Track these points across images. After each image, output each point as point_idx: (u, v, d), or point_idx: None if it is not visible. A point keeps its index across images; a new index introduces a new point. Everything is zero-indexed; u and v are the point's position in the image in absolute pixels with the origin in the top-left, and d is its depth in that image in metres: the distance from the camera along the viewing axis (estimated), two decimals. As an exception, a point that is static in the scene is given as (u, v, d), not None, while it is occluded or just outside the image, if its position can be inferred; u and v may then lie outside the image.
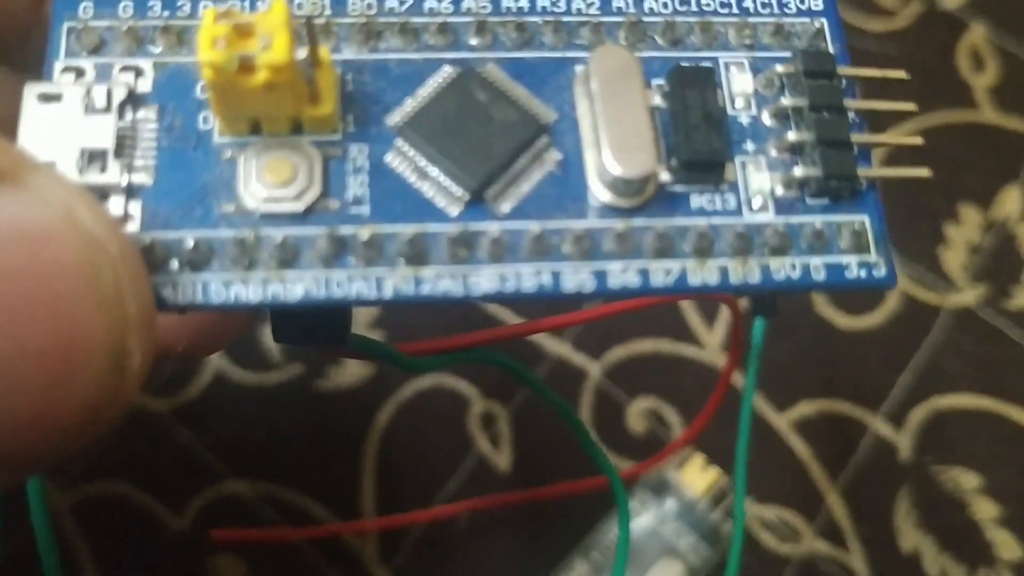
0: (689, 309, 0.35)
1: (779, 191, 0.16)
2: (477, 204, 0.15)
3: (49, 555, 0.18)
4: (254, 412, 0.33)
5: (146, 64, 0.15)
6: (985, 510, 0.33)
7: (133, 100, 0.15)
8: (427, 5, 0.16)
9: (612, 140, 0.15)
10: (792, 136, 0.16)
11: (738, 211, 0.16)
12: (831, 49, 0.17)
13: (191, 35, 0.16)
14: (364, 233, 0.15)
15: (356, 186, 0.15)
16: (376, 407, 0.33)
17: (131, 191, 0.15)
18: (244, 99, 0.14)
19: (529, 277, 0.15)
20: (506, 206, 0.15)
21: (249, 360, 0.34)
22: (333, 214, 0.15)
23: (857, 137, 0.16)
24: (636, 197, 0.15)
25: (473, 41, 0.16)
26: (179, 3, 0.16)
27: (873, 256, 0.16)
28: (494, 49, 0.16)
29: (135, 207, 0.15)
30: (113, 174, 0.14)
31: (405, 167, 0.15)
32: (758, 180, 0.16)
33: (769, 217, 0.16)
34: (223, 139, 0.15)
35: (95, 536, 0.31)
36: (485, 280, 0.15)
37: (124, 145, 0.15)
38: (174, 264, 0.14)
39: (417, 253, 0.15)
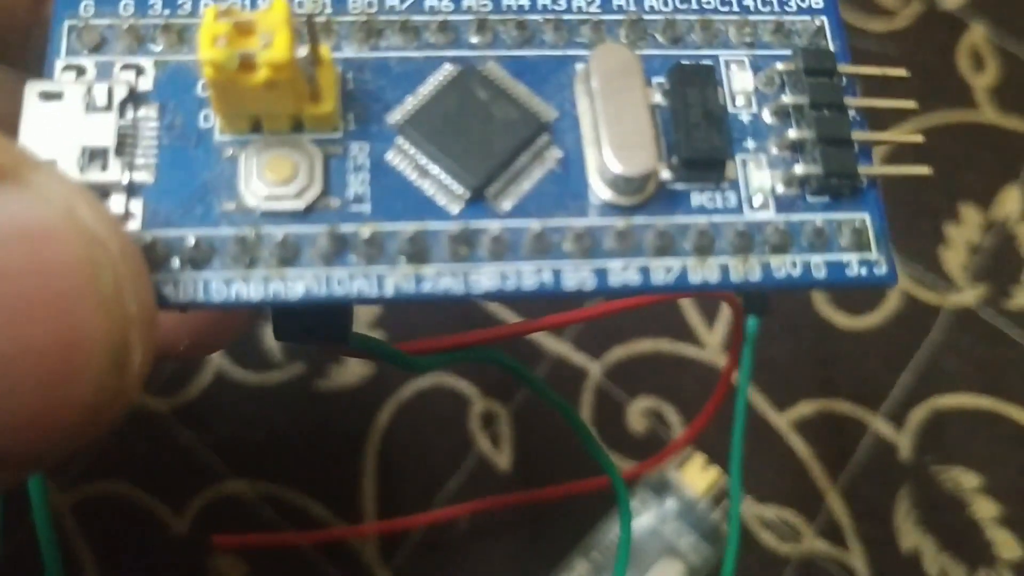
0: (689, 308, 0.35)
1: (780, 189, 0.16)
2: (478, 202, 0.15)
3: (50, 554, 0.18)
4: (254, 412, 0.33)
5: (147, 62, 0.15)
6: (985, 510, 0.33)
7: (134, 98, 0.15)
8: (428, 3, 0.16)
9: (613, 138, 0.15)
10: (793, 134, 0.16)
11: (739, 209, 0.16)
12: (831, 47, 0.17)
13: (192, 33, 0.16)
14: (365, 231, 0.15)
15: (357, 184, 0.15)
16: (376, 407, 0.33)
17: (132, 189, 0.15)
18: (245, 97, 0.14)
19: (530, 275, 0.15)
20: (507, 204, 0.15)
21: (250, 360, 0.34)
22: (334, 212, 0.15)
23: (858, 135, 0.16)
24: (637, 195, 0.15)
25: (474, 39, 0.16)
26: (180, 1, 0.16)
27: (874, 254, 0.16)
28: (495, 47, 0.16)
29: (136, 205, 0.15)
30: (114, 172, 0.14)
31: (406, 165, 0.15)
32: (759, 178, 0.16)
33: (770, 215, 0.16)
34: (224, 137, 0.15)
35: (95, 536, 0.31)
36: (486, 278, 0.15)
37: (125, 143, 0.15)
38: (175, 262, 0.14)
39: (418, 251, 0.15)
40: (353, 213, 0.15)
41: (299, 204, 0.15)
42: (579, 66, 0.16)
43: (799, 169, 0.16)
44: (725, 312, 0.35)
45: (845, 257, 0.16)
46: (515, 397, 0.34)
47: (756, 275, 0.15)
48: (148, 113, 0.15)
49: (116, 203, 0.14)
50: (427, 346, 0.20)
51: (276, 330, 0.17)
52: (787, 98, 0.16)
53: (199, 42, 0.13)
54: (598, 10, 0.17)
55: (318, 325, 0.17)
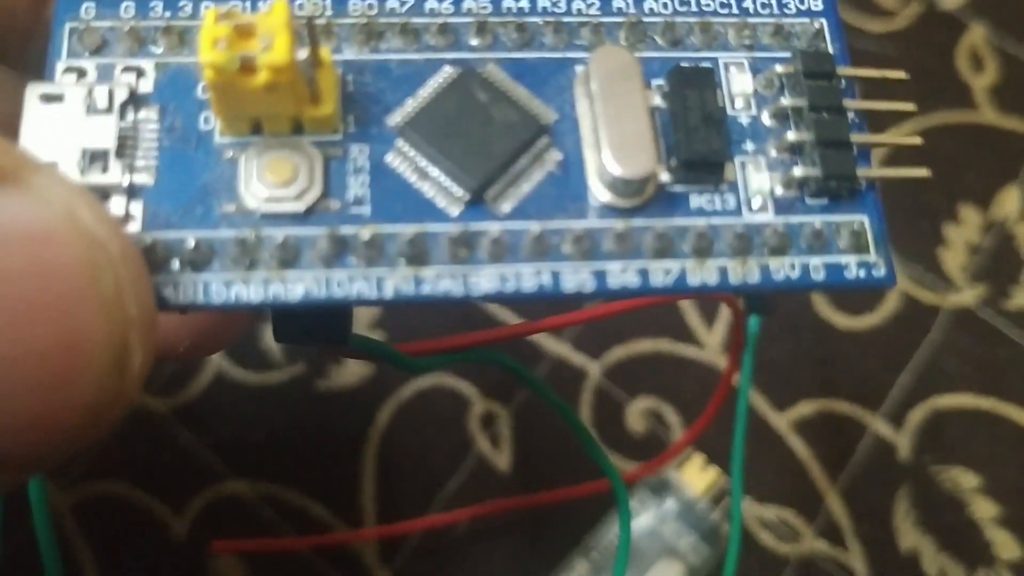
0: (689, 309, 0.35)
1: (779, 191, 0.16)
2: (477, 204, 0.15)
3: (50, 555, 0.18)
4: (254, 412, 0.33)
5: (148, 64, 0.15)
6: (984, 510, 0.33)
7: (135, 100, 0.15)
8: (428, 6, 0.16)
9: (612, 140, 0.15)
10: (792, 136, 0.16)
11: (737, 211, 0.16)
12: (831, 49, 0.17)
13: (192, 36, 0.16)
14: (365, 233, 0.15)
15: (357, 186, 0.15)
16: (376, 407, 0.34)
17: (132, 191, 0.15)
18: (245, 99, 0.14)
19: (529, 277, 0.15)
20: (506, 206, 0.15)
21: (250, 360, 0.34)
22: (334, 214, 0.15)
23: (856, 137, 0.16)
24: (636, 197, 0.15)
25: (474, 41, 0.16)
26: (181, 4, 0.16)
27: (872, 256, 0.16)
28: (494, 49, 0.16)
29: (136, 207, 0.15)
30: (114, 174, 0.15)
31: (406, 167, 0.15)
32: (758, 180, 0.16)
33: (768, 217, 0.16)
34: (224, 139, 0.15)
35: (95, 536, 0.31)
36: (485, 280, 0.15)
37: (125, 145, 0.15)
38: (175, 264, 0.14)
39: (418, 253, 0.15)
40: (353, 215, 0.15)
41: (299, 206, 0.15)
42: (579, 68, 0.16)
43: (798, 171, 0.16)
44: (725, 313, 0.35)
45: (844, 259, 0.16)
46: (515, 398, 0.34)
47: (755, 277, 0.15)
48: (149, 115, 0.15)
49: (116, 205, 0.14)
50: (427, 347, 0.20)
51: (276, 332, 0.17)
52: (786, 100, 0.16)
53: (200, 44, 0.14)
54: (598, 12, 0.17)
55: (318, 327, 0.17)
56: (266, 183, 0.15)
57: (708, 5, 0.17)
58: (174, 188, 0.15)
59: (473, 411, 0.34)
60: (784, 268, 0.15)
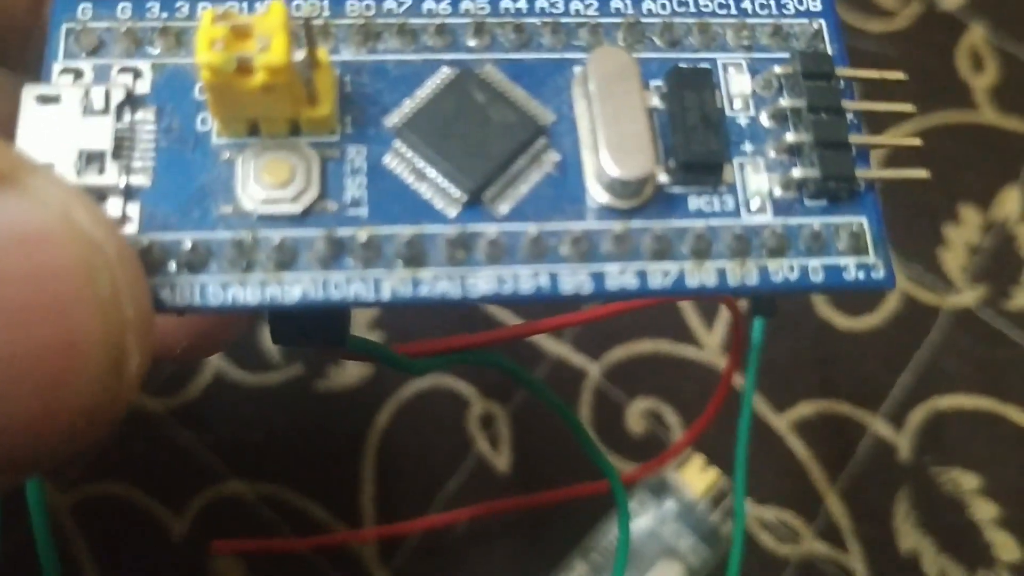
0: (689, 310, 0.35)
1: (777, 192, 0.16)
2: (475, 206, 0.15)
3: (48, 555, 0.18)
4: (253, 412, 0.33)
5: (144, 65, 0.15)
6: (984, 511, 0.33)
7: (131, 101, 0.15)
8: (425, 6, 0.16)
9: (610, 141, 0.15)
10: (790, 137, 0.16)
11: (736, 212, 0.16)
12: (829, 50, 0.17)
13: (189, 36, 0.16)
14: (362, 235, 0.15)
15: (354, 187, 0.15)
16: (376, 408, 0.33)
17: (129, 193, 0.15)
18: (242, 100, 0.14)
19: (527, 279, 0.15)
20: (504, 207, 0.15)
21: (248, 360, 0.34)
22: (331, 215, 0.15)
23: (855, 138, 0.16)
24: (634, 198, 0.15)
25: (471, 42, 0.16)
26: (177, 5, 0.16)
27: (871, 258, 0.16)
28: (492, 50, 0.16)
29: (133, 209, 0.15)
30: (111, 176, 0.14)
31: (403, 168, 0.15)
32: (756, 181, 0.16)
33: (767, 218, 0.16)
34: (221, 140, 0.15)
35: (95, 536, 0.31)
36: (483, 282, 0.15)
37: (122, 146, 0.15)
38: (172, 266, 0.14)
39: (415, 255, 0.15)
40: (350, 217, 0.15)
41: (296, 208, 0.15)
42: (577, 69, 0.16)
43: (797, 173, 0.16)
44: (725, 313, 0.35)
45: (843, 261, 0.16)
46: (514, 398, 0.34)
47: (753, 279, 0.15)
48: (145, 116, 0.15)
49: (113, 206, 0.14)
50: (426, 348, 0.20)
51: (273, 334, 0.17)
52: (785, 101, 0.16)
53: (196, 45, 0.14)
54: (596, 13, 0.17)
55: (315, 329, 0.17)
56: (263, 184, 0.15)
57: (706, 6, 0.17)
58: (171, 189, 0.15)
59: (472, 412, 0.34)
60: (783, 270, 0.15)
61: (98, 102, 0.15)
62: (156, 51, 0.16)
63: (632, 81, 0.16)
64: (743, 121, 0.16)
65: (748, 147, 0.16)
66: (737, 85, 0.16)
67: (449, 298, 0.15)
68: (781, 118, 0.16)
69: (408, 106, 0.16)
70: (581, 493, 0.31)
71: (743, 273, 0.15)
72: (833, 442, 0.34)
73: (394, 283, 0.14)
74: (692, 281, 0.15)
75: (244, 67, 0.14)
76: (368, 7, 0.16)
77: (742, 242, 0.15)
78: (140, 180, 0.15)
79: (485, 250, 0.15)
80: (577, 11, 0.17)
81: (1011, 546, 0.33)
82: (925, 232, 0.37)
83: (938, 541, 0.33)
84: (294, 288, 0.14)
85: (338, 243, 0.15)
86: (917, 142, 0.17)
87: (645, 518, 0.31)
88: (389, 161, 0.15)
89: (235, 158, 0.15)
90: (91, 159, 0.14)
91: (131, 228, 0.14)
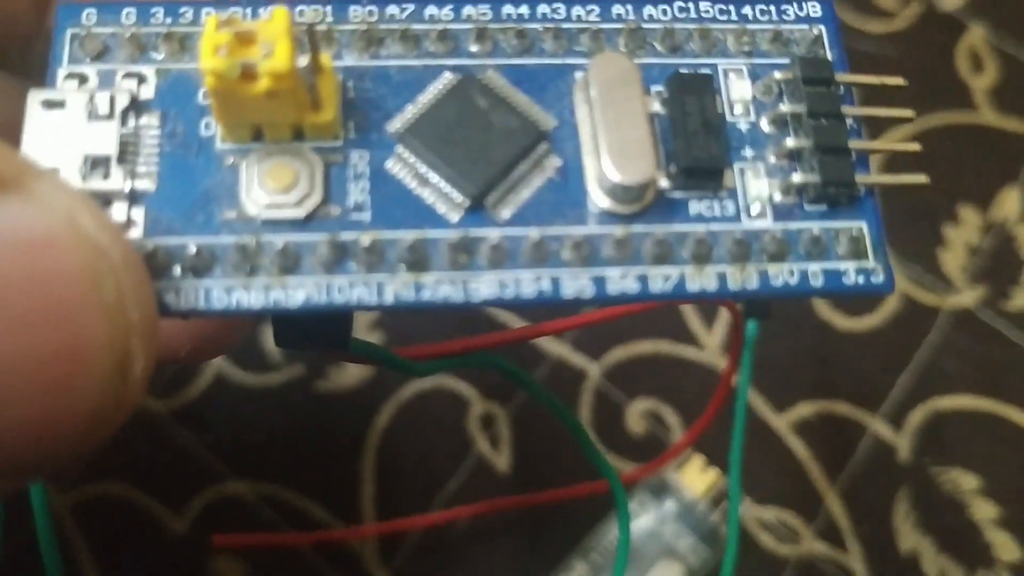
0: (689, 311, 0.35)
1: (777, 197, 0.16)
2: (477, 210, 0.15)
3: (51, 556, 0.18)
4: (254, 413, 0.33)
5: (149, 71, 0.16)
6: (984, 511, 0.33)
7: (136, 107, 0.15)
8: (428, 12, 0.16)
9: (611, 146, 0.15)
10: (790, 142, 0.16)
11: (736, 217, 0.16)
12: (829, 56, 0.17)
13: (193, 42, 0.16)
14: (365, 239, 0.15)
15: (357, 192, 0.15)
16: (376, 408, 0.34)
17: (134, 197, 0.15)
18: (246, 106, 0.14)
19: (528, 283, 0.15)
20: (506, 212, 0.15)
21: (249, 361, 0.34)
22: (334, 220, 0.15)
23: (855, 143, 0.16)
24: (635, 203, 0.15)
25: (473, 48, 0.16)
26: (181, 10, 0.16)
27: (871, 262, 0.16)
28: (494, 56, 0.16)
29: (138, 213, 0.15)
30: (116, 180, 0.15)
31: (406, 173, 0.15)
32: (756, 186, 0.16)
33: (767, 223, 0.16)
34: (225, 145, 0.15)
35: (95, 537, 0.31)
36: (485, 286, 0.15)
37: (127, 151, 0.15)
38: (176, 270, 0.14)
39: (417, 259, 0.15)
40: (353, 221, 0.15)
41: (300, 212, 0.15)
42: (578, 75, 0.16)
43: (797, 178, 0.16)
44: (724, 314, 0.35)
45: (842, 265, 0.16)
46: (514, 399, 0.34)
47: (753, 283, 0.15)
48: (150, 121, 0.15)
49: (118, 211, 0.15)
50: (427, 351, 0.20)
51: (276, 337, 0.17)
52: (785, 107, 0.16)
53: (201, 51, 0.14)
54: (597, 19, 0.17)
55: (318, 332, 0.17)
56: (267, 189, 0.15)
57: (707, 12, 0.17)
58: (175, 194, 0.15)
59: (472, 412, 0.34)
60: (783, 274, 0.15)
61: (103, 107, 0.15)
62: (160, 56, 0.16)
63: (633, 86, 0.16)
64: (743, 126, 0.16)
65: (748, 152, 0.16)
66: (738, 90, 0.17)
67: (451, 302, 0.15)
68: (781, 123, 0.16)
69: (410, 111, 0.16)
70: (581, 493, 0.31)
71: (743, 278, 0.15)
72: (833, 442, 0.34)
73: (397, 287, 0.15)
74: (693, 285, 0.15)
75: (248, 73, 0.14)
76: (371, 13, 0.16)
77: (742, 247, 0.15)
78: (145, 185, 0.15)
79: (487, 255, 0.15)
80: (579, 17, 0.17)
81: (1011, 546, 0.33)
82: (925, 232, 0.37)
83: (938, 541, 0.33)
84: (297, 292, 0.14)
85: (341, 247, 0.15)
86: (916, 147, 0.17)
87: (645, 518, 0.31)
88: (392, 166, 0.15)
89: (239, 163, 0.15)
90: (96, 164, 0.15)
91: (136, 232, 0.14)
